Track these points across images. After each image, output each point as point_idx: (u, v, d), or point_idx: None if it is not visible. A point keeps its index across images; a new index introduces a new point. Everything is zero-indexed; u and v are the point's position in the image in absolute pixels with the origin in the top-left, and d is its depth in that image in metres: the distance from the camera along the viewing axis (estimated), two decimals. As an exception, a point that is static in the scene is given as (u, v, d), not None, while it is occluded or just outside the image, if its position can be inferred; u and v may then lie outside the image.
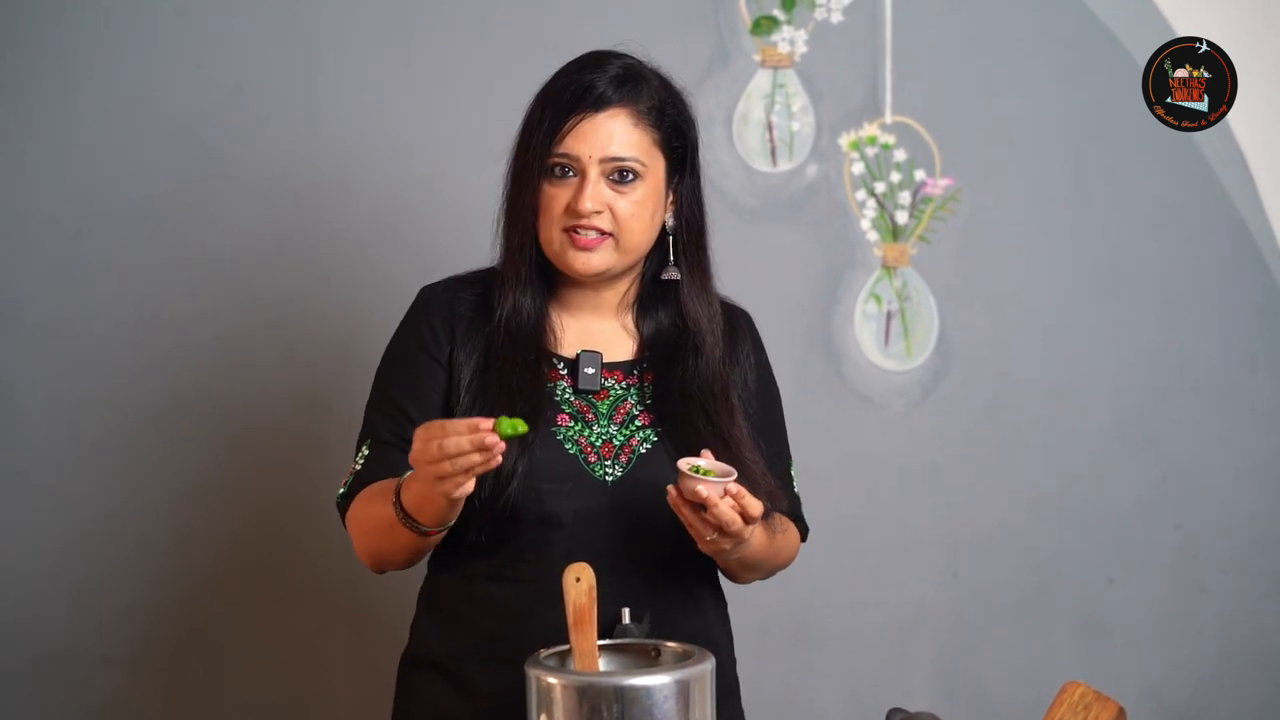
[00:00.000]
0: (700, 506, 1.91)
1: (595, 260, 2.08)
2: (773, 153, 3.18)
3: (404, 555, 2.05)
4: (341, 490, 2.12)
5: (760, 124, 3.18)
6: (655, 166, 2.09)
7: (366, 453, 2.12)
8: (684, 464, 1.91)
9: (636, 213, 2.07)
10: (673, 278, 2.15)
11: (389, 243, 3.09)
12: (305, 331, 3.09)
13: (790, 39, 3.16)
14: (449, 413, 2.10)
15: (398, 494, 1.95)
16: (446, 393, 2.11)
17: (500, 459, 1.83)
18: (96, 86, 3.05)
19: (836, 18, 3.17)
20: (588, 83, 2.05)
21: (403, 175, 3.09)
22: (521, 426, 1.81)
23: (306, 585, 3.11)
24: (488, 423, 1.80)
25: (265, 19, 3.08)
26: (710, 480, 1.89)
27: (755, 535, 2.02)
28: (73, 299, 3.07)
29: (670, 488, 1.92)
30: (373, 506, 2.03)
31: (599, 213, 2.05)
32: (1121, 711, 1.81)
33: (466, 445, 1.80)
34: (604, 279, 2.13)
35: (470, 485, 1.85)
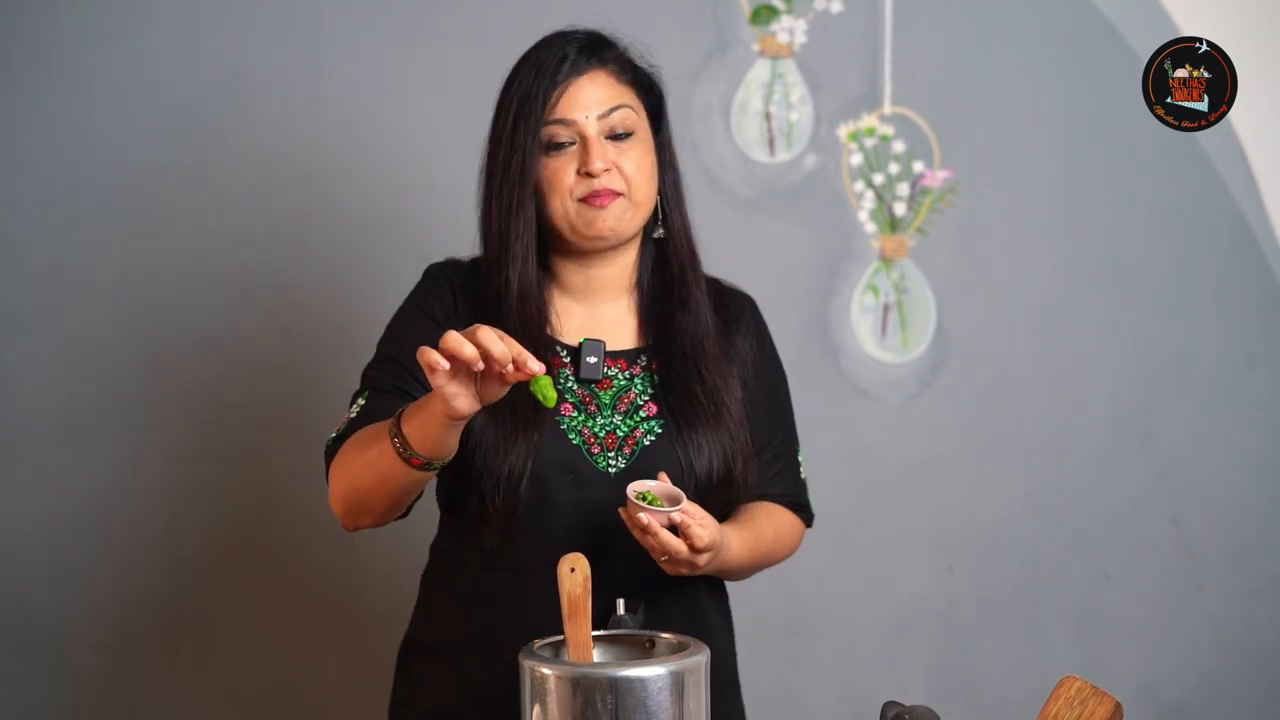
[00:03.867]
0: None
1: (611, 219, 2.07)
2: (771, 143, 3.17)
3: (382, 498, 1.96)
4: (333, 435, 2.07)
5: (758, 114, 3.17)
6: (642, 120, 2.11)
7: (362, 403, 2.08)
8: (632, 489, 1.92)
9: (641, 164, 2.09)
10: (660, 236, 2.16)
11: (386, 228, 3.08)
12: (301, 316, 3.08)
13: (789, 29, 3.15)
14: None
15: (398, 417, 1.90)
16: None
17: (515, 373, 1.78)
18: (93, 72, 3.04)
19: (836, 8, 3.16)
20: (560, 54, 2.08)
21: (400, 161, 3.08)
22: (551, 400, 1.80)
23: (298, 572, 3.11)
24: (539, 365, 1.77)
25: (263, 4, 3.07)
26: (654, 510, 1.90)
27: (730, 548, 2.02)
28: (67, 284, 3.06)
29: (620, 510, 1.94)
30: (363, 439, 1.98)
31: (608, 170, 2.06)
32: (1118, 706, 1.81)
33: (506, 351, 1.76)
34: (617, 245, 2.12)
35: (465, 403, 1.79)
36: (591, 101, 2.06)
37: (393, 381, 2.08)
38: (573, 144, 2.06)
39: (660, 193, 2.15)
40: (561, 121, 2.06)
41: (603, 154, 2.05)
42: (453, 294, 2.14)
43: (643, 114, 2.11)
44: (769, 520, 2.16)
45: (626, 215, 2.08)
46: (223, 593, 3.11)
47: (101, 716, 3.10)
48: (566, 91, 2.06)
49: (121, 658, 3.09)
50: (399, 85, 3.10)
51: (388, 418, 1.97)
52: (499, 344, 1.76)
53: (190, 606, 3.10)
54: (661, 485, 1.95)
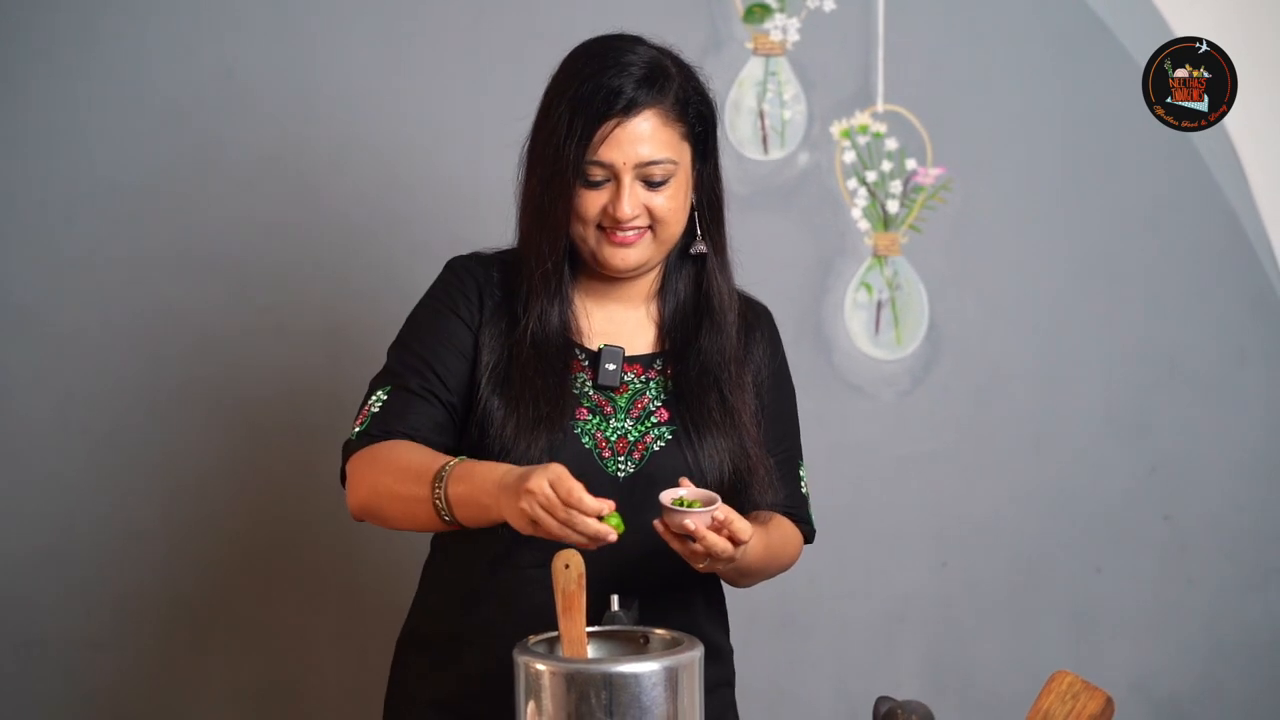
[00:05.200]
0: (689, 537, 1.89)
1: (634, 256, 2.08)
2: (764, 141, 3.18)
3: (407, 527, 2.04)
4: (357, 429, 2.08)
5: (752, 112, 3.17)
6: (684, 159, 2.09)
7: (385, 397, 2.08)
8: (665, 497, 1.89)
9: (673, 206, 2.08)
10: (701, 251, 2.16)
11: (380, 228, 3.08)
12: (295, 316, 3.08)
13: (782, 26, 3.16)
14: (473, 383, 2.09)
15: (443, 482, 1.94)
16: (473, 361, 2.10)
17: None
18: (87, 71, 3.04)
19: (829, 5, 3.16)
20: (615, 87, 2.03)
21: (395, 159, 3.08)
22: (621, 528, 1.86)
23: (296, 568, 3.11)
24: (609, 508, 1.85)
25: (258, 3, 3.06)
26: (695, 512, 1.87)
27: (751, 545, 2.00)
28: (62, 283, 3.06)
29: (656, 522, 1.91)
30: (401, 471, 1.99)
31: (637, 215, 2.06)
32: (1109, 701, 1.81)
33: (593, 532, 1.83)
34: (639, 272, 2.14)
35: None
36: (634, 147, 2.03)
37: (419, 381, 2.08)
38: (607, 181, 2.05)
39: (701, 214, 2.14)
40: (599, 163, 2.03)
41: (634, 200, 2.04)
42: (478, 290, 2.14)
43: (685, 151, 2.09)
44: (774, 524, 2.16)
45: (649, 250, 2.09)
46: (221, 589, 3.11)
47: (100, 714, 3.10)
48: (612, 133, 2.02)
49: (120, 656, 3.09)
50: (395, 84, 3.09)
51: (411, 420, 2.04)
52: (611, 536, 1.83)
53: (188, 603, 3.10)
54: (692, 490, 1.92)
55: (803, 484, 2.25)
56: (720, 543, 1.89)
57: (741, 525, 1.90)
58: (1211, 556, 3.26)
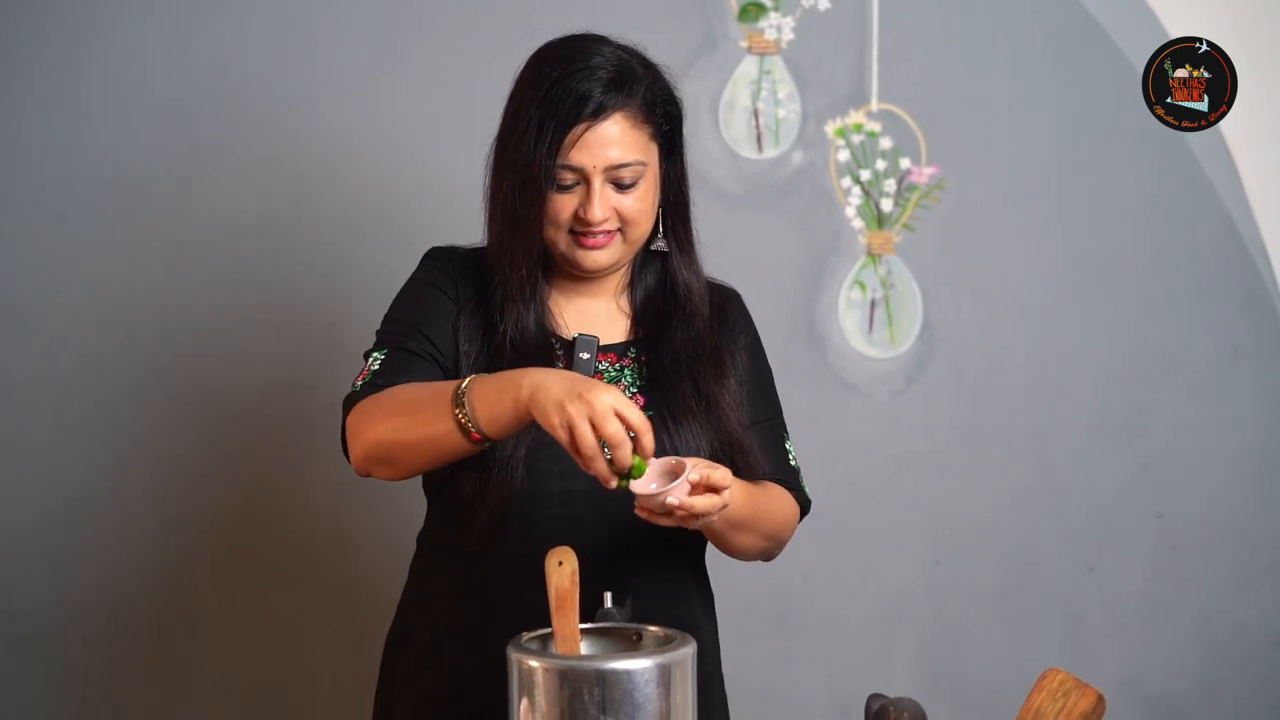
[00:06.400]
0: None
1: (604, 257, 2.09)
2: (758, 139, 3.18)
3: (424, 459, 1.97)
4: (360, 383, 2.06)
5: (746, 110, 3.18)
6: (652, 159, 2.10)
7: (382, 357, 2.07)
8: (635, 485, 1.87)
9: (642, 208, 2.09)
10: (662, 249, 2.16)
11: (375, 226, 3.09)
12: (290, 314, 3.09)
13: (777, 25, 3.16)
14: (456, 360, 2.09)
15: (467, 387, 1.89)
16: (455, 338, 2.11)
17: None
18: (83, 67, 3.04)
19: (824, 4, 3.17)
20: (584, 91, 2.03)
21: (389, 158, 3.09)
22: (640, 470, 1.85)
23: (289, 567, 3.11)
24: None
25: (253, 2, 3.07)
26: (671, 488, 1.85)
27: (735, 495, 1.97)
28: (57, 280, 3.06)
29: (636, 511, 1.89)
30: (412, 398, 1.95)
31: (607, 219, 2.06)
32: (1100, 699, 1.82)
33: (624, 446, 1.81)
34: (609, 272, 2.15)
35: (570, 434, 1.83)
36: (603, 151, 2.03)
37: (416, 344, 2.08)
38: (577, 185, 2.05)
39: (666, 211, 2.14)
40: (569, 167, 2.03)
41: (604, 204, 2.05)
42: (454, 282, 2.15)
43: (654, 152, 2.10)
44: (760, 485, 2.13)
45: (619, 251, 2.10)
46: (213, 588, 3.11)
47: (92, 712, 3.10)
48: (583, 136, 2.02)
49: (112, 653, 3.09)
50: (389, 82, 3.10)
51: (414, 374, 2.01)
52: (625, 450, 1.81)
53: (181, 602, 3.11)
54: (653, 465, 1.89)
55: (790, 456, 2.24)
56: (706, 502, 1.87)
57: (720, 475, 1.89)
58: (1203, 555, 3.27)
